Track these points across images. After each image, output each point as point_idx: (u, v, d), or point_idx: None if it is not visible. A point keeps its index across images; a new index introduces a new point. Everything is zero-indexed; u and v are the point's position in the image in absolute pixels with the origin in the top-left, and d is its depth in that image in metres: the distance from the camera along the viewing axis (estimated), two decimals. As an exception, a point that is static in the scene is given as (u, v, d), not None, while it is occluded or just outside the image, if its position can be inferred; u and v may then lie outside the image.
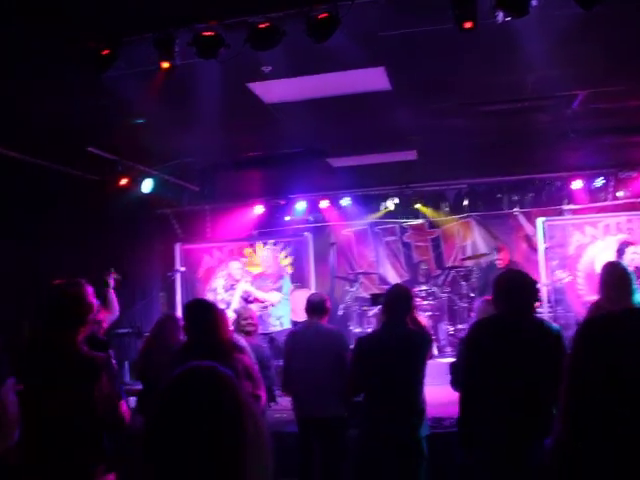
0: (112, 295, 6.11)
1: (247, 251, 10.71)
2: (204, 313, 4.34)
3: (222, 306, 9.14)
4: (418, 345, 4.66)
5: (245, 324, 6.09)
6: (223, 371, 1.57)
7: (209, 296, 9.84)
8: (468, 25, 4.35)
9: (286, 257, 11.10)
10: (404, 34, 5.08)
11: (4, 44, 5.01)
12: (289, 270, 10.85)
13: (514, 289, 3.90)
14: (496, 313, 3.99)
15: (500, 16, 4.33)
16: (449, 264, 11.85)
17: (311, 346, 5.48)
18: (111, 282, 6.41)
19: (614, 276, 4.75)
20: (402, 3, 4.49)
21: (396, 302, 4.76)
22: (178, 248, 11.09)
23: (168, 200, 10.55)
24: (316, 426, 5.48)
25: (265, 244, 10.82)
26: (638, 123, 8.09)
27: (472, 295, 10.41)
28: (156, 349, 5.29)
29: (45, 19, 4.72)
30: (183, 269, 10.72)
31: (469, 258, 11.35)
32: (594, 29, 5.10)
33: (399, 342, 4.61)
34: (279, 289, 8.95)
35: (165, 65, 4.91)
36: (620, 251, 7.78)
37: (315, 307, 5.64)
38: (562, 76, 6.33)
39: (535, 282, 4.06)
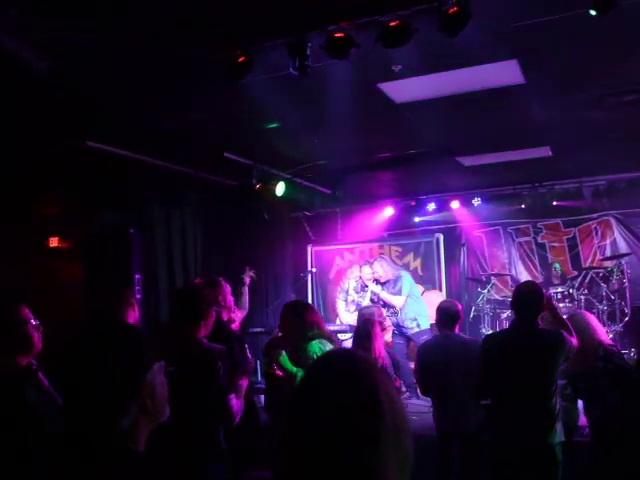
0: (246, 293, 6.34)
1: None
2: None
3: (352, 307, 9.27)
4: (550, 345, 4.40)
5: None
6: (363, 356, 1.55)
7: (340, 297, 9.95)
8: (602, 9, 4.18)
9: (415, 259, 11.07)
10: (538, 23, 4.94)
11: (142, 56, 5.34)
12: (419, 272, 10.81)
13: None
14: None
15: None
16: (586, 265, 11.35)
17: (448, 360, 5.32)
18: (247, 280, 6.66)
19: None
20: (535, -8, 4.39)
21: (526, 300, 4.53)
22: (310, 250, 11.32)
23: (301, 203, 10.81)
24: (457, 438, 5.41)
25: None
26: None
27: (612, 297, 9.94)
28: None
29: (182, 30, 4.99)
30: (315, 270, 10.95)
31: (608, 259, 10.83)
32: None
33: (529, 341, 4.41)
34: (399, 292, 8.90)
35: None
36: None
37: (448, 317, 5.48)
38: None
39: None
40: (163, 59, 5.39)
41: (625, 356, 8.39)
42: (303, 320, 4.48)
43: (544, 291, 4.71)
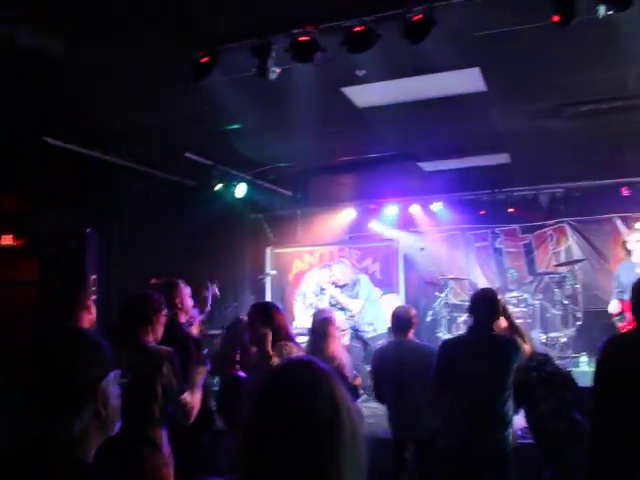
0: (209, 297, 6.27)
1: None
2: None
3: (310, 310, 9.25)
4: (504, 351, 4.48)
5: None
6: (321, 366, 1.56)
7: (298, 300, 9.92)
8: (565, 20, 4.26)
9: (374, 262, 11.12)
10: (501, 33, 5.02)
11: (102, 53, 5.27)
12: (378, 276, 10.86)
13: None
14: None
15: (602, 10, 4.21)
16: (541, 270, 11.54)
17: (402, 366, 5.36)
18: (209, 293, 6.58)
19: None
20: (498, 1, 4.44)
21: (482, 306, 4.62)
22: (269, 252, 11.29)
23: (261, 204, 10.77)
24: (412, 443, 5.44)
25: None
26: None
27: (565, 302, 10.12)
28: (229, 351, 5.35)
29: (144, 29, 4.93)
30: (274, 272, 10.92)
31: (563, 264, 11.02)
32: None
33: (484, 347, 4.48)
34: (356, 295, 8.94)
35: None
36: None
37: (402, 323, 5.54)
38: (667, 72, 6.11)
39: None
40: (125, 56, 5.33)
41: (577, 360, 8.66)
42: (272, 322, 4.39)
43: (501, 297, 4.79)
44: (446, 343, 4.87)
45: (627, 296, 7.05)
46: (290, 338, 4.40)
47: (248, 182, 9.37)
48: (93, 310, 4.40)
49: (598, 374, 3.67)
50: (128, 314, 3.97)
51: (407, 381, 5.29)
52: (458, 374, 4.50)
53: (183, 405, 3.76)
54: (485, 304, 4.61)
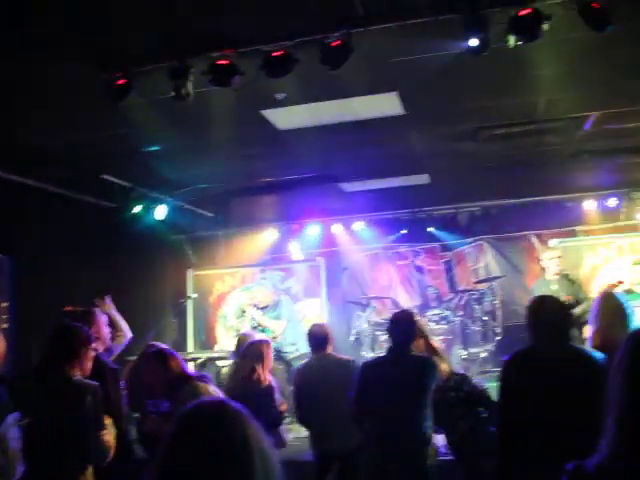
0: (118, 319, 6.06)
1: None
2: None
3: (232, 333, 9.12)
4: (422, 371, 4.58)
5: None
6: (233, 407, 1.54)
7: (219, 322, 9.75)
8: (478, 49, 4.39)
9: (297, 283, 11.11)
10: (416, 60, 5.15)
11: (18, 72, 5.10)
12: (301, 297, 10.86)
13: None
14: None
15: (512, 40, 4.36)
16: (461, 287, 11.79)
17: (325, 379, 5.38)
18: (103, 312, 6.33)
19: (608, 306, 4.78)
20: (414, 29, 4.52)
21: (399, 327, 4.71)
22: (190, 274, 11.13)
23: (182, 226, 10.61)
24: (336, 458, 5.43)
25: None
26: (650, 143, 8.11)
27: (485, 319, 10.36)
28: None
29: (59, 49, 4.81)
30: (195, 296, 10.74)
31: (482, 281, 11.29)
32: (605, 50, 5.14)
33: (403, 367, 4.56)
34: (278, 317, 8.92)
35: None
36: None
37: (318, 340, 5.57)
38: (574, 98, 6.39)
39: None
40: (43, 74, 5.17)
41: (497, 374, 8.85)
42: (167, 370, 4.23)
43: (419, 318, 4.89)
44: (366, 364, 4.91)
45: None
46: (191, 378, 4.26)
47: (168, 204, 9.22)
48: (1, 340, 4.22)
49: (502, 387, 3.84)
50: (55, 346, 3.86)
51: (331, 394, 5.28)
52: (377, 394, 4.55)
53: (102, 442, 3.67)
54: (402, 325, 4.70)
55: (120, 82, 5.04)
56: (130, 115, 5.90)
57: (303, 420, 5.75)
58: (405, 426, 4.46)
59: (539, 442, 3.58)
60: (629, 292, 7.73)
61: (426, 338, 4.92)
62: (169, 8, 4.41)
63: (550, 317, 3.86)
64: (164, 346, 4.59)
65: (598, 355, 3.79)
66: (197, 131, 6.70)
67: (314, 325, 5.95)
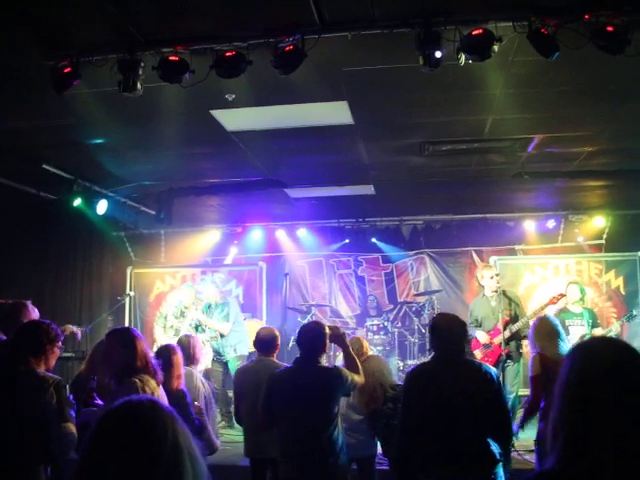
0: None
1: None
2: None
3: (171, 333, 8.99)
4: (328, 382, 4.56)
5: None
6: (164, 408, 1.51)
7: (158, 323, 9.56)
8: (430, 65, 4.44)
9: (238, 286, 11.04)
10: (368, 70, 5.18)
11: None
12: (241, 300, 10.79)
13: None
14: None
15: (462, 59, 4.43)
16: (401, 299, 11.91)
17: (259, 384, 5.35)
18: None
19: (544, 330, 5.12)
20: (367, 40, 4.55)
21: (309, 338, 4.67)
22: (130, 272, 10.94)
23: (123, 222, 10.43)
24: (268, 464, 5.39)
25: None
26: (589, 168, 8.34)
27: (423, 331, 10.47)
28: (87, 376, 4.85)
29: (2, 32, 4.67)
30: (132, 294, 10.57)
31: (421, 294, 11.42)
32: (552, 76, 5.27)
33: (310, 378, 4.53)
34: (226, 318, 8.85)
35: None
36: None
37: (264, 343, 5.57)
38: (520, 119, 6.52)
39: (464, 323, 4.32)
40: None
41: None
42: (132, 351, 3.87)
43: (338, 330, 4.92)
44: (273, 375, 4.88)
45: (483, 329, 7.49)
46: (152, 369, 3.95)
47: (110, 199, 9.04)
48: None
49: (404, 398, 4.22)
50: (22, 341, 3.94)
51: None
52: (286, 405, 4.54)
53: (65, 434, 3.67)
54: (311, 337, 4.68)
55: (66, 70, 4.92)
56: (75, 105, 5.78)
57: (239, 422, 5.73)
58: (314, 437, 4.46)
59: (437, 448, 3.93)
60: (564, 311, 7.94)
61: (344, 347, 4.93)
62: None
63: (447, 333, 4.19)
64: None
65: (491, 369, 4.21)
66: (144, 127, 6.59)
67: (263, 328, 5.94)
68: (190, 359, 5.64)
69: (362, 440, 5.49)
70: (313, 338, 4.67)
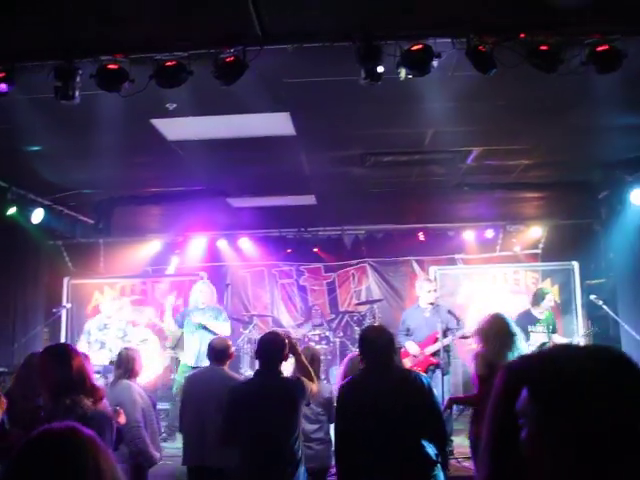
0: None
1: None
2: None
3: (97, 346, 8.71)
4: (289, 393, 4.60)
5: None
6: (84, 433, 1.48)
7: (82, 339, 9.07)
8: (371, 79, 4.49)
9: (179, 297, 10.89)
10: (310, 82, 5.21)
11: None
12: (181, 311, 10.64)
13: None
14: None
15: (403, 73, 4.49)
16: (343, 308, 11.95)
17: (207, 392, 5.35)
18: None
19: (496, 328, 5.02)
20: (309, 52, 4.57)
21: (269, 349, 4.69)
22: (67, 282, 10.68)
23: (60, 232, 10.17)
24: (207, 475, 5.34)
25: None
26: (527, 180, 8.56)
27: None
28: (20, 395, 4.56)
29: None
30: (69, 305, 10.28)
31: (362, 303, 11.49)
32: (489, 91, 5.40)
33: (271, 390, 4.56)
34: (225, 319, 8.70)
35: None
36: (537, 298, 8.05)
37: (218, 353, 5.56)
38: (458, 132, 6.65)
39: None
40: None
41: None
42: (67, 370, 3.67)
43: (291, 339, 4.92)
44: (234, 388, 4.86)
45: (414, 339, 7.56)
46: (90, 386, 3.74)
47: (47, 208, 8.81)
48: None
49: (337, 409, 4.37)
50: None
51: (209, 408, 5.25)
52: (247, 418, 4.53)
53: None
54: (271, 348, 4.69)
55: (-1, 75, 4.79)
56: (10, 111, 5.62)
57: (181, 430, 5.67)
58: (275, 449, 4.47)
59: (375, 457, 4.02)
60: (527, 315, 8.03)
61: (298, 357, 4.94)
62: (60, 4, 4.23)
63: (375, 344, 4.30)
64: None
65: (421, 375, 4.39)
66: (82, 134, 6.45)
67: (216, 338, 6.02)
68: (128, 372, 5.59)
69: (319, 450, 5.53)
70: (273, 349, 4.68)
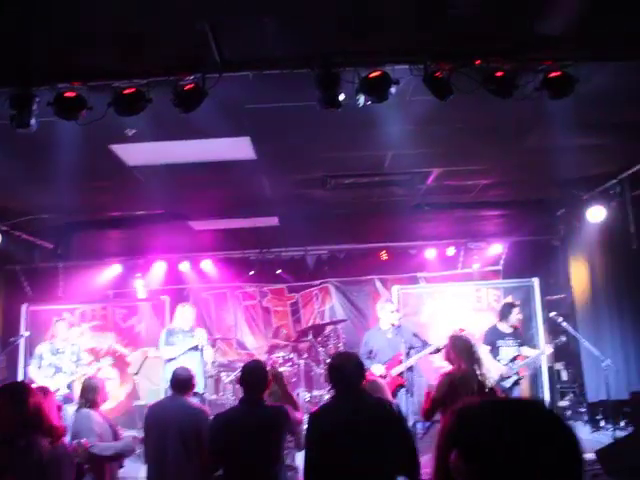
0: None
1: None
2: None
3: (51, 371, 8.45)
4: (273, 421, 4.58)
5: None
6: None
7: (33, 364, 8.84)
8: (331, 105, 4.52)
9: (141, 322, 10.74)
10: (270, 108, 5.23)
11: None
12: (143, 334, 10.51)
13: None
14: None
15: (362, 99, 4.53)
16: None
17: (167, 422, 5.30)
18: None
19: (462, 347, 5.09)
20: (269, 79, 4.60)
21: (252, 378, 4.69)
22: (25, 309, 10.43)
23: (18, 257, 9.97)
24: None
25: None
26: (485, 199, 8.69)
27: (329, 361, 10.47)
28: None
29: None
30: (27, 334, 9.98)
31: (326, 324, 11.45)
32: (446, 115, 5.48)
33: (255, 419, 4.54)
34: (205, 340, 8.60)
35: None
36: (504, 312, 8.07)
37: (182, 383, 5.52)
38: (417, 155, 6.74)
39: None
40: None
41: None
42: (23, 408, 3.53)
43: (275, 370, 4.92)
44: (219, 417, 4.84)
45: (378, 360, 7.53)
46: (47, 425, 3.57)
47: (3, 233, 8.65)
48: None
49: (307, 437, 4.26)
50: None
51: (170, 438, 5.21)
52: (231, 447, 4.50)
53: None
54: (255, 376, 4.68)
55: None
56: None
57: (146, 459, 5.58)
58: (257, 478, 4.46)
59: None
60: (494, 331, 8.02)
61: (282, 385, 4.94)
62: (15, 31, 4.18)
63: (341, 373, 4.24)
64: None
65: (394, 405, 4.37)
66: (39, 160, 6.36)
67: (180, 367, 5.91)
68: (89, 402, 5.53)
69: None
70: (257, 377, 4.67)
